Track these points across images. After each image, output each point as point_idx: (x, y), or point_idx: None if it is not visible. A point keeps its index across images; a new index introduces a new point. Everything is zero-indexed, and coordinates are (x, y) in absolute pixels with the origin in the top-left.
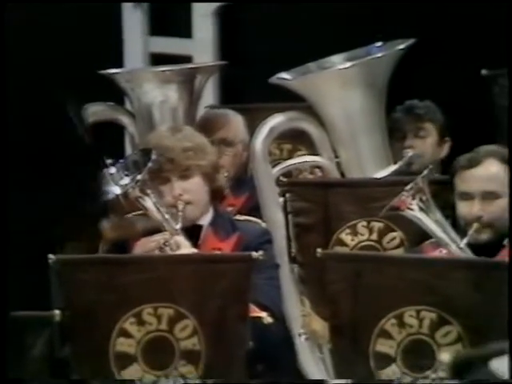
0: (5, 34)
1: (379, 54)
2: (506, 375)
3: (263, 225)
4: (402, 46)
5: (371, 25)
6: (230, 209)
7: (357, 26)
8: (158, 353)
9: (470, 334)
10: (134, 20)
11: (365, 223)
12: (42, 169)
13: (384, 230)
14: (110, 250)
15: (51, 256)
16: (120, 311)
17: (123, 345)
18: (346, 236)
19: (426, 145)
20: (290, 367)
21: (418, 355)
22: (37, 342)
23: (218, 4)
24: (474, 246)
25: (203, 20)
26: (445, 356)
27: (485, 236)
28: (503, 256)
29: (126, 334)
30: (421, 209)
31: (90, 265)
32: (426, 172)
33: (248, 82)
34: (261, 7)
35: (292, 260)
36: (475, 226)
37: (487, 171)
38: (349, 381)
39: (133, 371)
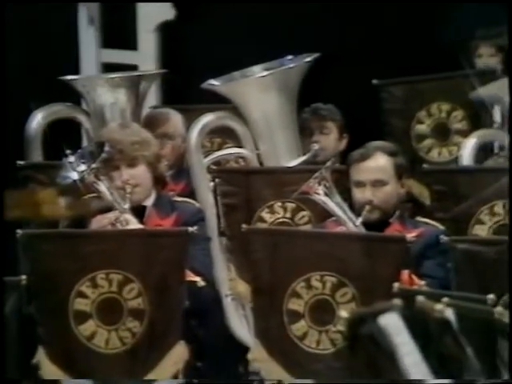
0: None
1: (290, 65)
2: (390, 329)
3: (197, 205)
4: (308, 59)
5: (286, 41)
6: (171, 193)
7: (274, 42)
8: (109, 311)
9: (362, 294)
10: (88, 35)
11: (280, 203)
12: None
13: (296, 210)
14: (69, 226)
15: (19, 231)
16: (77, 276)
17: (80, 304)
18: (265, 214)
19: (329, 140)
20: (218, 322)
21: (322, 312)
22: (8, 300)
23: (160, 21)
24: (366, 224)
25: (147, 35)
26: (342, 313)
27: (374, 216)
28: (389, 231)
29: (82, 295)
30: (325, 193)
31: (51, 238)
32: (329, 163)
33: (185, 87)
34: (196, 25)
35: (221, 234)
36: (367, 208)
37: (376, 163)
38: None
39: (88, 326)
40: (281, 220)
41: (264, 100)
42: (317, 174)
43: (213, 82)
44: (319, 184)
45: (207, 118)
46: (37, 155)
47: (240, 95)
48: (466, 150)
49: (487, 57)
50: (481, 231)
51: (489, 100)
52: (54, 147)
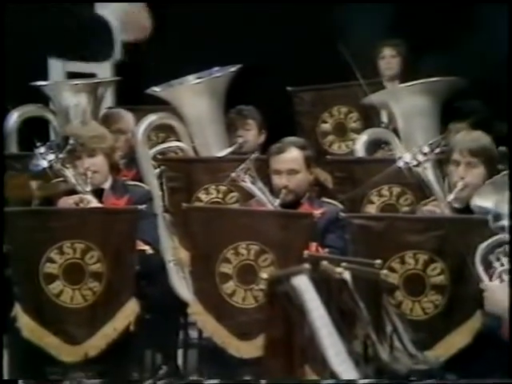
0: None
1: (218, 74)
2: (300, 288)
3: (146, 188)
4: (232, 69)
5: (216, 55)
6: (124, 178)
7: (205, 56)
8: (74, 273)
9: (279, 260)
10: None
11: (214, 187)
12: None
13: (227, 191)
14: (40, 205)
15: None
16: (47, 245)
17: (49, 268)
18: (201, 195)
19: (250, 135)
20: (163, 283)
21: (247, 274)
22: None
23: None
24: (282, 204)
25: None
26: (263, 274)
27: (289, 198)
28: (300, 210)
29: (51, 260)
30: (250, 182)
31: (26, 214)
32: (252, 156)
33: (135, 91)
34: (145, 41)
35: (165, 211)
36: (283, 191)
37: (290, 155)
38: None
39: (56, 285)
40: (214, 200)
41: (197, 103)
42: (243, 166)
43: (155, 88)
44: (245, 173)
45: (151, 118)
46: (13, 147)
47: (177, 99)
48: (360, 145)
49: (389, 58)
50: (371, 209)
51: (378, 105)
52: (27, 140)
